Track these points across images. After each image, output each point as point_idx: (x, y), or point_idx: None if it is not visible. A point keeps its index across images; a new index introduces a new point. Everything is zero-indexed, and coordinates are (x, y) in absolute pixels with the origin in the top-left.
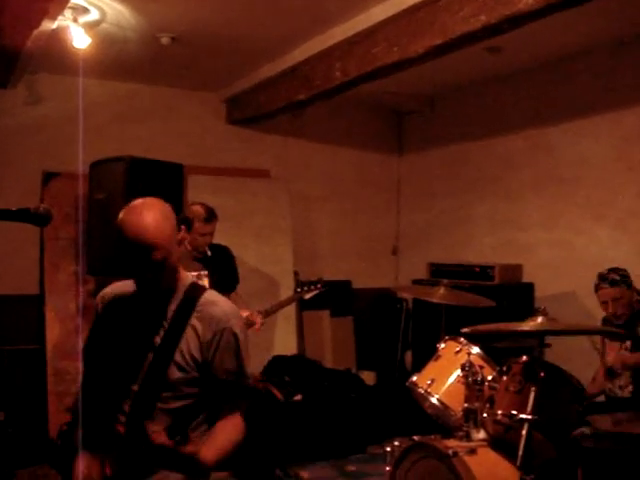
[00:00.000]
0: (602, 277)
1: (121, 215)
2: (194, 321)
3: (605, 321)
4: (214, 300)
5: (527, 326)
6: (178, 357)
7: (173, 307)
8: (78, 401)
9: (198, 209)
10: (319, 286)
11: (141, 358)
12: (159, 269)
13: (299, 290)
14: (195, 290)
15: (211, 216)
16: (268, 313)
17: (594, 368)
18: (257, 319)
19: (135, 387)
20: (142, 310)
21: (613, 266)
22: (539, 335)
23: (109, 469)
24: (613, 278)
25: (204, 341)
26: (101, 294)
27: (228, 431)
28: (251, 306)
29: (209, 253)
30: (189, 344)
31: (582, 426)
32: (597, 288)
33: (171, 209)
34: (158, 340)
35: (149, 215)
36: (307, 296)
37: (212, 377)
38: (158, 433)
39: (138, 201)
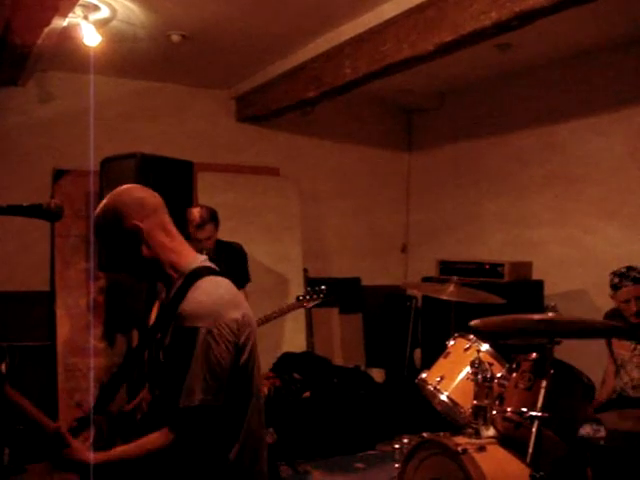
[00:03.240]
0: (623, 275)
1: None
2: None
3: (610, 315)
4: (191, 296)
5: (537, 316)
6: (162, 353)
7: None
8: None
9: (193, 213)
10: (322, 296)
11: (145, 352)
12: (118, 257)
13: (301, 298)
14: (190, 279)
15: (204, 222)
16: (267, 319)
17: (604, 364)
18: None
19: (143, 384)
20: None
21: (624, 264)
22: (549, 332)
23: None
24: (635, 276)
25: (170, 340)
26: None
27: (141, 442)
28: (260, 305)
29: (210, 255)
30: (168, 341)
31: (591, 423)
32: (617, 286)
33: (140, 195)
34: (158, 335)
35: (103, 203)
36: (309, 305)
37: (163, 380)
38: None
39: None
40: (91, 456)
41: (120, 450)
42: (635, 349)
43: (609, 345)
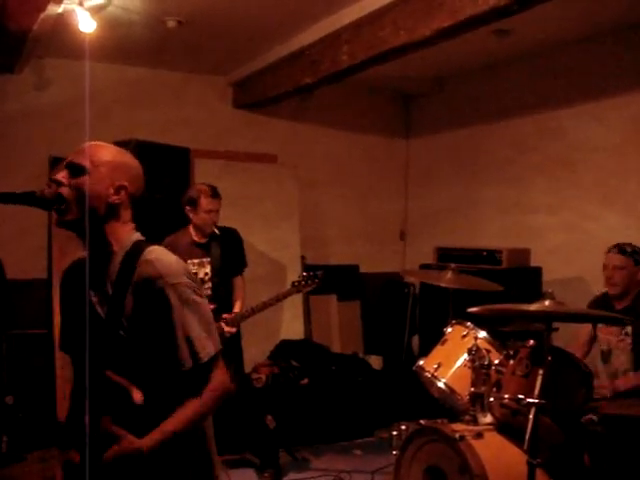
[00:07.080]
0: (615, 245)
1: None
2: (133, 286)
3: (599, 301)
4: (150, 259)
5: (535, 307)
6: (122, 330)
7: (114, 271)
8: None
9: (202, 186)
10: (317, 280)
11: (91, 334)
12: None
13: (297, 284)
14: (136, 249)
15: (216, 192)
16: (264, 306)
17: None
18: (225, 327)
19: (91, 368)
20: (86, 277)
21: None
22: (546, 319)
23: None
24: (624, 248)
25: (140, 309)
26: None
27: (177, 417)
28: (257, 292)
29: (217, 232)
30: (129, 313)
31: (589, 412)
32: (606, 255)
33: (126, 158)
34: (101, 311)
35: (93, 144)
36: (305, 290)
37: (153, 354)
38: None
39: None
40: (145, 442)
41: (172, 424)
42: (621, 334)
43: (594, 328)
